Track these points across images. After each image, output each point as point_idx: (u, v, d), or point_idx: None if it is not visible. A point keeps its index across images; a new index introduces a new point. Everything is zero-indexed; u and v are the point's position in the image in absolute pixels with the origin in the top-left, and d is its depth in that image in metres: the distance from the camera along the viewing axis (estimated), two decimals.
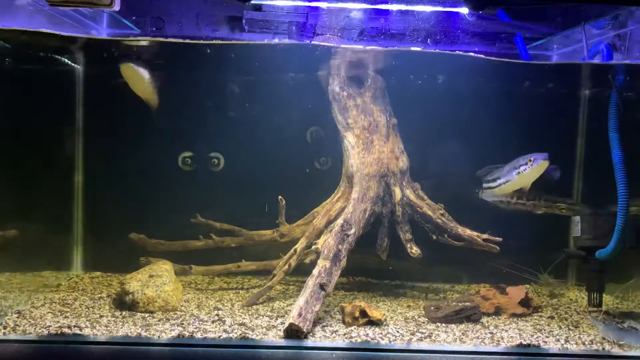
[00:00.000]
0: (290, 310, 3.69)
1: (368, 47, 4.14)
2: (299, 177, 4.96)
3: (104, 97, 4.89)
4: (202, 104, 4.95)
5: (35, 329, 3.48)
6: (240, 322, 3.74)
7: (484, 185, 4.69)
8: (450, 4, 3.86)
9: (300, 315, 3.51)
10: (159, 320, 3.72)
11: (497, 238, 4.31)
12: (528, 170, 4.28)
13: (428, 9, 3.95)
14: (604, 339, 3.64)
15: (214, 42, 4.08)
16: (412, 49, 4.20)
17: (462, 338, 3.57)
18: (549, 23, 4.28)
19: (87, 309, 3.93)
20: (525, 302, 4.19)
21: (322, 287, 3.76)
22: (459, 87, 4.90)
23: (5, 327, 3.48)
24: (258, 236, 4.71)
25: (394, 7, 3.93)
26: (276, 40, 4.25)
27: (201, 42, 4.03)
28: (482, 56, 4.13)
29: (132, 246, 4.70)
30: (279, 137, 4.94)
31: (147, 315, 3.85)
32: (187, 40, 4.01)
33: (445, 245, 4.41)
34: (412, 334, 3.60)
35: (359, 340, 3.46)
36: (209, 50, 4.13)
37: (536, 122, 4.95)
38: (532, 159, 4.26)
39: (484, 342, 3.52)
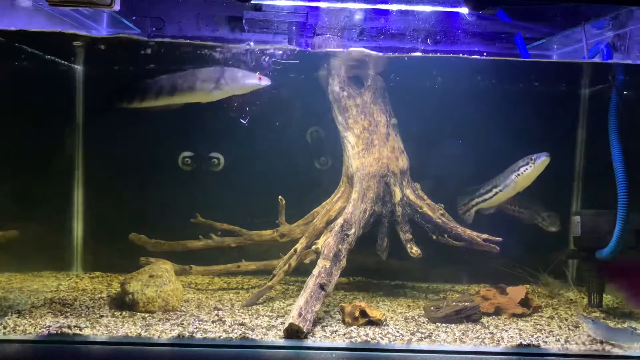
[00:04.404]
0: (290, 310, 3.69)
1: (368, 51, 4.14)
2: (299, 177, 4.96)
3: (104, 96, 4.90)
4: (201, 104, 4.95)
5: (35, 329, 3.48)
6: (240, 322, 3.74)
7: (477, 200, 4.71)
8: (450, 4, 3.86)
9: (300, 315, 3.51)
10: (159, 320, 3.72)
11: (497, 238, 4.31)
12: (529, 169, 4.32)
13: (428, 9, 3.95)
14: (589, 336, 3.63)
15: (214, 43, 4.08)
16: (414, 54, 4.20)
17: (462, 338, 3.57)
18: (549, 23, 4.28)
19: (87, 309, 3.93)
20: (525, 302, 4.19)
21: (322, 287, 3.76)
22: (459, 86, 4.90)
23: (5, 327, 3.48)
24: (258, 236, 4.71)
25: (394, 7, 3.93)
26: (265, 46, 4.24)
27: (200, 42, 4.04)
28: (485, 57, 4.14)
29: (132, 246, 4.70)
30: (279, 137, 4.95)
31: (147, 315, 3.85)
32: (187, 41, 4.02)
33: (445, 245, 4.41)
34: (412, 334, 3.60)
35: (359, 340, 3.46)
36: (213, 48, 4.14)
37: (536, 121, 4.95)
38: (533, 157, 4.30)
39: (484, 342, 3.52)
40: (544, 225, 4.87)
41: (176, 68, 4.17)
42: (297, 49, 4.15)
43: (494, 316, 4.11)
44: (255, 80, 4.04)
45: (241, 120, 4.49)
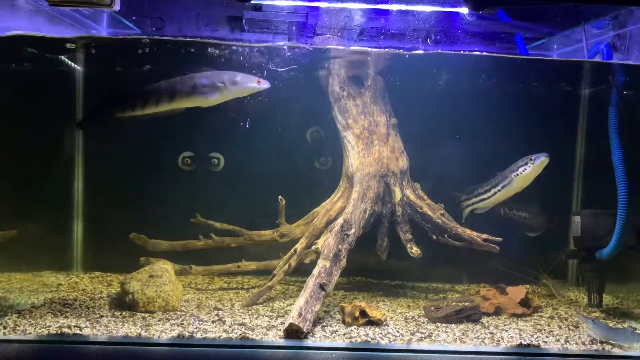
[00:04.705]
0: (290, 310, 3.69)
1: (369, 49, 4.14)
2: (299, 177, 4.96)
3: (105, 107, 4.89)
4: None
5: (35, 329, 3.48)
6: (241, 322, 3.75)
7: (474, 199, 4.71)
8: (450, 4, 3.86)
9: (300, 315, 3.50)
10: (159, 320, 3.73)
11: (497, 238, 4.31)
12: (528, 169, 4.32)
13: (428, 9, 3.95)
14: (589, 336, 3.63)
15: (214, 41, 4.08)
16: (415, 52, 4.20)
17: (462, 338, 3.57)
18: (549, 23, 4.28)
19: (87, 309, 3.93)
20: (525, 302, 4.19)
21: (322, 287, 3.76)
22: (460, 86, 4.90)
23: (5, 327, 3.48)
24: (258, 236, 4.70)
25: (394, 7, 3.93)
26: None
27: (200, 40, 4.04)
28: (485, 53, 4.14)
29: (132, 246, 4.70)
30: (279, 137, 4.94)
31: (147, 315, 3.85)
32: (186, 39, 4.02)
33: (445, 245, 4.41)
34: (412, 334, 3.60)
35: (359, 340, 3.46)
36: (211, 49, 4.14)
37: (536, 121, 4.95)
38: (532, 157, 4.30)
39: (484, 342, 3.52)
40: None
41: (176, 70, 4.17)
42: (310, 46, 4.16)
43: (494, 316, 4.11)
44: (255, 84, 4.04)
45: (243, 123, 4.50)
